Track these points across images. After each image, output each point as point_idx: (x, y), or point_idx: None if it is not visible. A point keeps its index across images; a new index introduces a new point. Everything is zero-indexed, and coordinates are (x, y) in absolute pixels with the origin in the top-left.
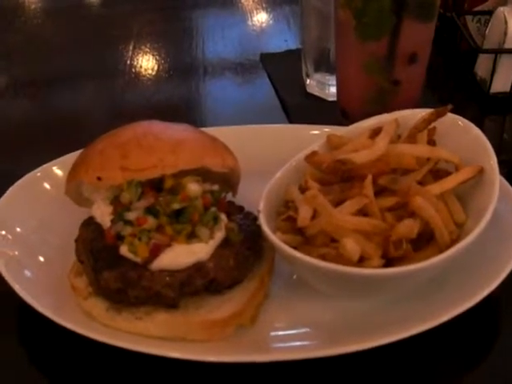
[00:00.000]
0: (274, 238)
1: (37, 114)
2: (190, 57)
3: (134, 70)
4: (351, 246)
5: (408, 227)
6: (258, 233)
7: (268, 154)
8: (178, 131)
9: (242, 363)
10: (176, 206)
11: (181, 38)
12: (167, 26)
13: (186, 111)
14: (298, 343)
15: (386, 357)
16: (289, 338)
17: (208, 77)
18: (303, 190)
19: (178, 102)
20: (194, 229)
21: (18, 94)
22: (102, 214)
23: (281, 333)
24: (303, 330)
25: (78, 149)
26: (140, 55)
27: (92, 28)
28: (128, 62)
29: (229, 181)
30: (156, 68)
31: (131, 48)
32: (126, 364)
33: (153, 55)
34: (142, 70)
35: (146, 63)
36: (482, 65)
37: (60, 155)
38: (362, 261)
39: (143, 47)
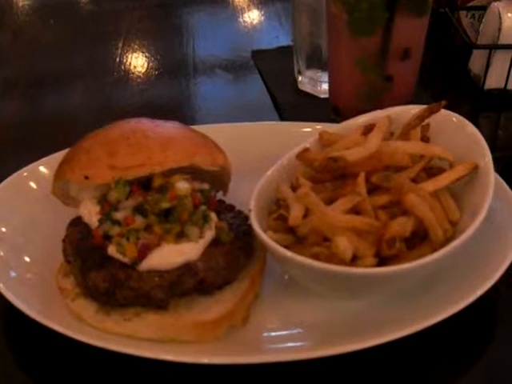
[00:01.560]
0: (265, 238)
1: (24, 112)
2: (181, 54)
3: (123, 68)
4: (344, 244)
5: (401, 225)
6: (248, 232)
7: (259, 151)
8: (167, 129)
9: (234, 365)
10: (165, 204)
11: (171, 35)
12: (157, 23)
13: (176, 109)
14: (290, 344)
15: (379, 357)
16: (281, 339)
17: (198, 74)
18: (295, 188)
19: (168, 99)
20: (184, 228)
21: (4, 92)
22: (90, 213)
23: (273, 333)
24: (295, 331)
25: (65, 147)
26: (130, 52)
27: (81, 25)
28: (117, 59)
29: (219, 179)
30: (146, 65)
31: (121, 45)
32: (115, 366)
33: (142, 52)
34: (132, 67)
35: (136, 61)
36: (476, 61)
37: (47, 154)
38: (354, 260)
39: (133, 44)
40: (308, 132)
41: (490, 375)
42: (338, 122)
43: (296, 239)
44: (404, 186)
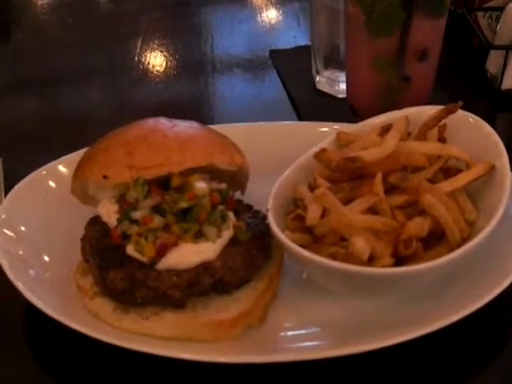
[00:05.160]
0: (283, 237)
1: (43, 112)
2: (199, 53)
3: (141, 67)
4: (361, 244)
5: (418, 225)
6: (266, 232)
7: (277, 151)
8: (185, 128)
9: (251, 364)
10: (183, 204)
11: (189, 35)
12: (175, 22)
13: (194, 108)
14: (307, 343)
15: (396, 357)
16: (298, 339)
17: (217, 73)
18: (312, 188)
19: (186, 99)
20: (202, 228)
21: (24, 91)
22: (108, 212)
23: (290, 333)
24: (313, 330)
25: (84, 147)
26: (148, 52)
27: (100, 24)
28: (136, 58)
29: (237, 179)
30: (164, 65)
31: (139, 44)
32: (133, 365)
33: (161, 52)
34: (150, 66)
35: (154, 60)
36: (493, 61)
37: (66, 153)
38: (371, 260)
39: (151, 44)
40: (325, 132)
41: (506, 375)
42: (355, 122)
43: (313, 239)
44: (421, 186)
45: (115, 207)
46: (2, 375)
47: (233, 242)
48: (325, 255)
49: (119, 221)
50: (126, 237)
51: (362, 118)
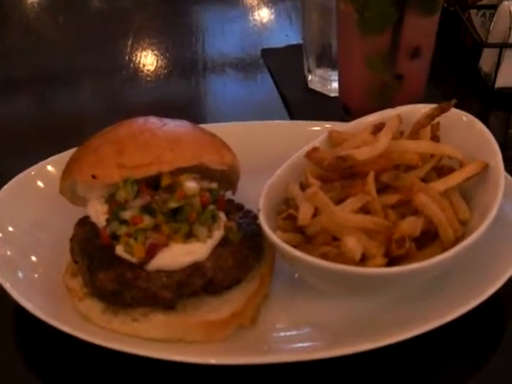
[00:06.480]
0: (274, 237)
1: (32, 111)
2: (190, 52)
3: (132, 66)
4: (353, 244)
5: (411, 225)
6: (257, 232)
7: (268, 150)
8: (175, 127)
9: (242, 365)
10: (173, 204)
11: (180, 33)
12: (167, 20)
13: (185, 107)
14: (299, 344)
15: (389, 357)
16: (290, 339)
17: (208, 72)
18: (304, 187)
19: (177, 98)
20: (192, 228)
21: (13, 90)
22: (97, 213)
23: (282, 334)
24: (305, 331)
25: (73, 146)
26: (139, 51)
27: (90, 23)
28: (127, 57)
29: (228, 178)
30: (155, 64)
31: (130, 44)
32: (122, 366)
33: (152, 50)
34: (141, 65)
35: (145, 59)
36: (487, 59)
37: (55, 153)
38: (364, 260)
39: (142, 42)
40: (317, 131)
41: (499, 375)
42: (347, 120)
43: (305, 239)
44: (414, 185)
45: (104, 207)
46: None
47: (224, 242)
48: (316, 255)
49: (108, 221)
50: (115, 237)
51: (355, 117)
